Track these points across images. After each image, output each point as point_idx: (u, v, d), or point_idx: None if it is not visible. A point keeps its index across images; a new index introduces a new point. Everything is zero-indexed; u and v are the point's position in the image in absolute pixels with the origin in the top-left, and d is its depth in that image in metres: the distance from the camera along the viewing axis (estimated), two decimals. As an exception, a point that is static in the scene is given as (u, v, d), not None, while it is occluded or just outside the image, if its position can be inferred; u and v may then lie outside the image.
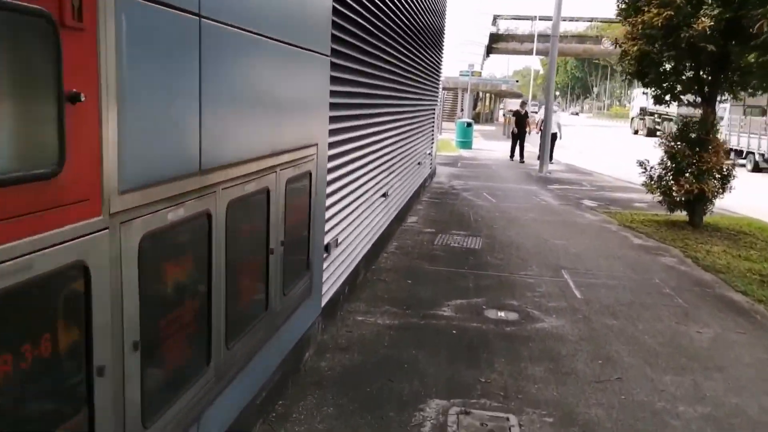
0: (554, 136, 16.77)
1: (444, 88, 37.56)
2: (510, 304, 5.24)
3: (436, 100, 12.81)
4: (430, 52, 10.17)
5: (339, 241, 4.45)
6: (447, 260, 6.56)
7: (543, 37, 51.73)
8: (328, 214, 4.08)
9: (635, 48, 8.57)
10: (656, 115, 37.11)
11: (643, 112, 40.52)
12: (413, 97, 8.81)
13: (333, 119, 4.05)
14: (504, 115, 60.09)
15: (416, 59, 8.52)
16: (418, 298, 5.27)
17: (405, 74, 7.66)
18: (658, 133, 35.18)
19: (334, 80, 3.98)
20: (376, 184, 6.09)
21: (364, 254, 5.51)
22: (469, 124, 22.51)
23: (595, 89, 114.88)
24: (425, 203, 10.12)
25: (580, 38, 53.64)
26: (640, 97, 40.34)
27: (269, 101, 2.89)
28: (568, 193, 12.17)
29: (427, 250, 6.95)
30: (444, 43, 12.82)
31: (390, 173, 7.02)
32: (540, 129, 16.47)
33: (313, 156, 3.58)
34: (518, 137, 18.31)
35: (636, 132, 41.12)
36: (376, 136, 5.84)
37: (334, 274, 4.44)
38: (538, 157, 16.06)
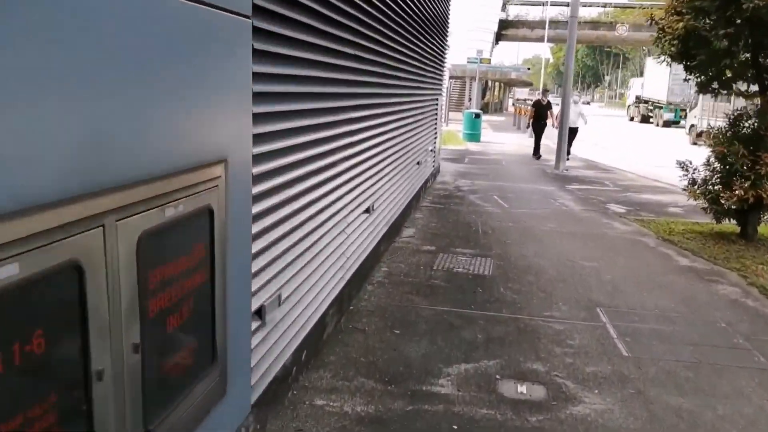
0: (575, 131, 15.25)
1: (451, 77, 36.08)
2: (533, 370, 3.80)
3: (440, 90, 11.34)
4: (431, 37, 8.73)
5: (283, 297, 3.02)
6: (448, 294, 5.12)
7: (555, 23, 50.00)
8: (257, 265, 2.65)
9: (680, 24, 7.04)
10: (649, 103, 38.76)
11: (638, 99, 41.85)
12: (410, 86, 7.35)
13: (262, 118, 2.61)
14: (513, 104, 58.69)
15: (414, 45, 7.06)
16: (406, 361, 3.84)
17: (399, 61, 6.21)
18: (651, 120, 37.82)
19: (261, 56, 2.54)
20: (355, 198, 4.64)
21: (334, 297, 4.08)
22: (477, 115, 20.99)
23: (607, 78, 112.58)
24: (426, 210, 8.66)
25: (594, 24, 51.78)
26: (636, 86, 43.82)
27: (95, 89, 1.47)
28: (590, 195, 10.69)
29: (424, 279, 5.51)
30: (448, 29, 11.35)
31: (377, 181, 5.57)
32: (558, 122, 14.89)
33: (217, 181, 2.15)
34: (539, 131, 16.38)
35: (632, 119, 42.13)
36: (352, 137, 4.38)
37: (277, 345, 3.02)
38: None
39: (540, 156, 16.23)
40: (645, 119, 38.49)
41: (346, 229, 4.30)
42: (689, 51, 7.30)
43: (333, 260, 4.02)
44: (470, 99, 30.56)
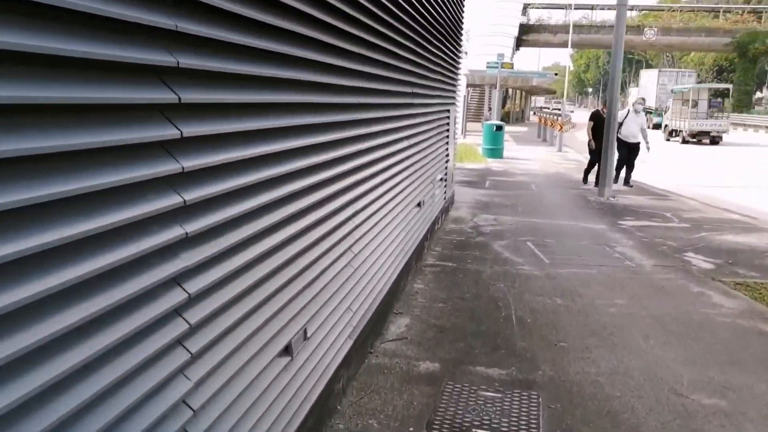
0: (635, 148, 12.42)
1: (468, 85, 33.45)
2: None
3: (453, 100, 8.74)
4: (439, 42, 6.21)
5: None
6: None
7: (579, 27, 47.13)
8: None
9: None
10: (645, 111, 42.88)
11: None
12: (408, 103, 4.79)
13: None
14: (535, 113, 55.88)
15: (414, 50, 4.48)
16: None
17: (390, 68, 3.62)
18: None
19: None
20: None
21: None
22: (498, 128, 18.27)
23: (630, 86, 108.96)
24: (430, 274, 5.99)
25: (620, 28, 48.85)
26: (633, 95, 48.51)
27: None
28: (654, 237, 7.95)
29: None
30: (462, 32, 8.83)
31: (347, 265, 2.96)
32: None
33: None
34: (597, 152, 11.91)
35: None
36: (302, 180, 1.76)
37: None
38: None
39: (589, 182, 12.75)
40: None
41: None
42: None
43: None
44: (490, 109, 27.86)
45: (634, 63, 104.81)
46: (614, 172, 11.74)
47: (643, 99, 13.65)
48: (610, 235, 8.02)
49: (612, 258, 6.77)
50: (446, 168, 8.42)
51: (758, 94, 65.89)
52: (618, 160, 12.11)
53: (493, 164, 16.43)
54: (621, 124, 11.92)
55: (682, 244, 7.64)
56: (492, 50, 29.38)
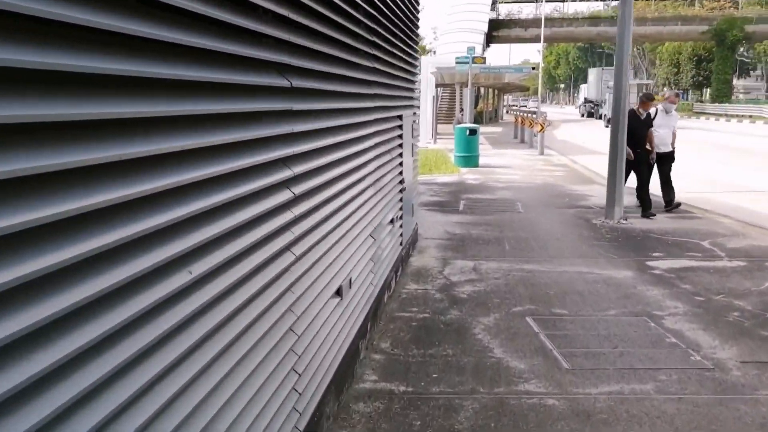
0: (667, 158, 9.26)
1: (437, 85, 30.94)
2: None
3: (410, 105, 6.14)
4: (385, 42, 3.61)
5: None
6: None
7: (551, 20, 44.96)
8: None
9: None
10: (591, 104, 48.65)
11: (586, 100, 52.08)
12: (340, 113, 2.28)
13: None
14: (508, 112, 53.68)
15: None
16: None
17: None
18: (593, 115, 46.52)
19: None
20: None
21: None
22: (472, 132, 15.63)
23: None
24: (362, 420, 3.32)
25: (593, 20, 46.80)
26: (583, 91, 56.19)
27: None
28: (710, 292, 5.38)
29: None
30: (417, 33, 6.30)
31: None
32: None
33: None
34: (636, 165, 8.98)
35: (582, 115, 51.66)
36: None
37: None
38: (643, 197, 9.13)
39: (651, 213, 8.89)
40: (590, 115, 48.47)
41: None
42: None
43: None
44: (462, 109, 25.30)
45: (605, 57, 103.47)
46: (636, 193, 9.08)
47: (677, 93, 10.24)
48: (644, 291, 5.42)
49: (665, 349, 4.15)
50: (401, 199, 5.78)
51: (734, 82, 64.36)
52: (641, 180, 9.00)
53: (468, 175, 13.82)
54: (613, 121, 9.09)
55: (755, 302, 5.08)
56: (461, 48, 26.86)
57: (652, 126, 9.03)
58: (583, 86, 60.72)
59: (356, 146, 3.75)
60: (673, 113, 9.39)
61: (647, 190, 8.97)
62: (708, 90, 45.64)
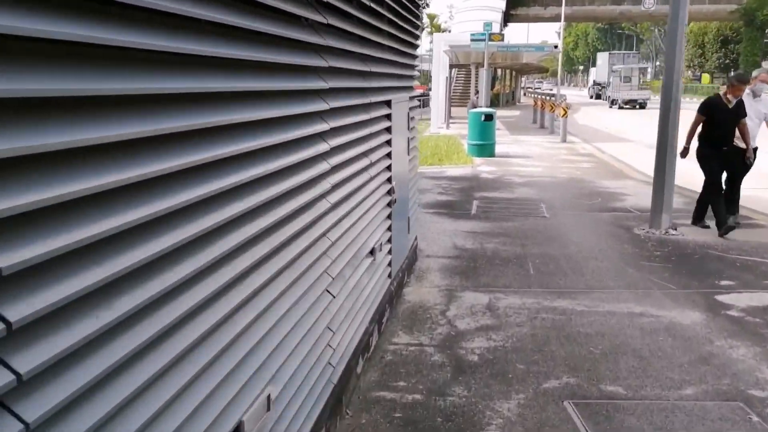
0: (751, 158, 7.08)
1: (452, 65, 29.17)
2: None
3: (406, 86, 4.61)
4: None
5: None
6: None
7: (572, -2, 42.75)
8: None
9: None
10: (599, 86, 50.41)
11: (594, 83, 53.94)
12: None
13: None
14: (526, 94, 51.64)
15: None
16: None
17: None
18: (601, 97, 48.44)
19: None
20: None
21: None
22: (488, 117, 13.96)
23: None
24: None
25: (616, -2, 44.46)
26: (593, 74, 58.81)
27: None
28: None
29: None
30: (419, 10, 4.76)
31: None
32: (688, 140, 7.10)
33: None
34: (729, 167, 7.04)
35: (591, 97, 52.50)
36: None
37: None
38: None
39: (704, 223, 7.13)
40: (598, 97, 49.64)
41: None
42: None
43: None
44: (477, 92, 23.57)
45: (624, 38, 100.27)
46: (699, 202, 7.21)
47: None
48: (725, 350, 3.86)
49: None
50: (389, 215, 4.25)
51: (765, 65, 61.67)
52: (711, 183, 6.90)
53: (483, 167, 12.21)
54: (662, 115, 7.12)
55: None
56: (477, 27, 25.04)
57: (745, 115, 6.81)
58: (592, 69, 63.88)
59: (297, 153, 2.25)
60: (762, 97, 7.18)
61: (718, 201, 6.88)
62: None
